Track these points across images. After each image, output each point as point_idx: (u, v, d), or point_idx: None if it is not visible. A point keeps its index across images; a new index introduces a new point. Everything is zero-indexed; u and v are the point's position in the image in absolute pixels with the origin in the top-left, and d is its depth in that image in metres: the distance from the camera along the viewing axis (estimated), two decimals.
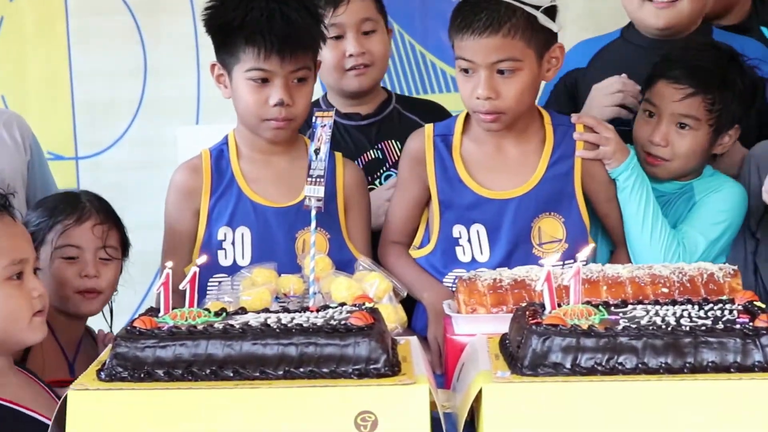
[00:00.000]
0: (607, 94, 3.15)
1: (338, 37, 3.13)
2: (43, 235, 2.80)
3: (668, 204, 3.00)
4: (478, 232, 2.84)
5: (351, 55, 3.14)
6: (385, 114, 3.26)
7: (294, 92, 2.79)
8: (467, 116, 2.91)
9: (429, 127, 2.92)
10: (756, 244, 3.08)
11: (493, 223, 2.83)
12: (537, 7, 2.73)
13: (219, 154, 2.93)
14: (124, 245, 2.96)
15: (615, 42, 3.34)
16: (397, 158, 3.11)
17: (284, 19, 2.74)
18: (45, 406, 2.34)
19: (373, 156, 3.20)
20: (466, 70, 2.76)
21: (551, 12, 2.77)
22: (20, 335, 2.42)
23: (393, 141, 3.19)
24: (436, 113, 3.28)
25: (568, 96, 3.28)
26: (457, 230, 2.85)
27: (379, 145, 3.20)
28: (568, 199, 2.85)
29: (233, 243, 2.85)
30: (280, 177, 2.90)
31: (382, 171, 3.19)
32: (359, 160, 3.16)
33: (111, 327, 2.98)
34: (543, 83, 3.01)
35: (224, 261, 2.84)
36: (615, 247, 2.97)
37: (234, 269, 2.74)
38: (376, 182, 3.18)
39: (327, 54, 3.09)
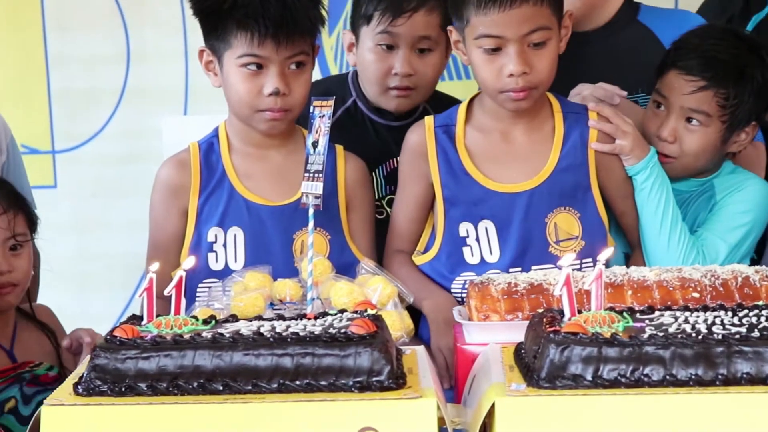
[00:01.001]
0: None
1: (389, 47, 3.09)
2: None
3: (687, 203, 3.01)
4: (486, 229, 2.86)
5: (396, 74, 3.09)
6: (415, 117, 3.19)
7: (291, 80, 2.80)
8: (469, 104, 2.93)
9: (429, 119, 2.94)
10: None
11: (503, 219, 2.85)
12: None
13: (209, 148, 2.95)
14: (32, 222, 2.96)
15: None
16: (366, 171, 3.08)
17: (279, 1, 2.75)
18: None
19: (397, 164, 3.10)
20: (492, 49, 2.76)
21: None
22: None
23: None
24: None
25: None
26: (464, 228, 2.87)
27: None
28: (583, 193, 2.87)
29: (225, 245, 2.87)
30: (275, 173, 2.91)
31: None
32: (383, 166, 3.15)
33: (32, 310, 2.98)
34: None
35: (215, 265, 2.86)
36: (632, 249, 2.99)
37: (225, 273, 2.76)
38: None
39: (371, 62, 3.08)
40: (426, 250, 2.93)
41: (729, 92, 2.91)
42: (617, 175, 2.91)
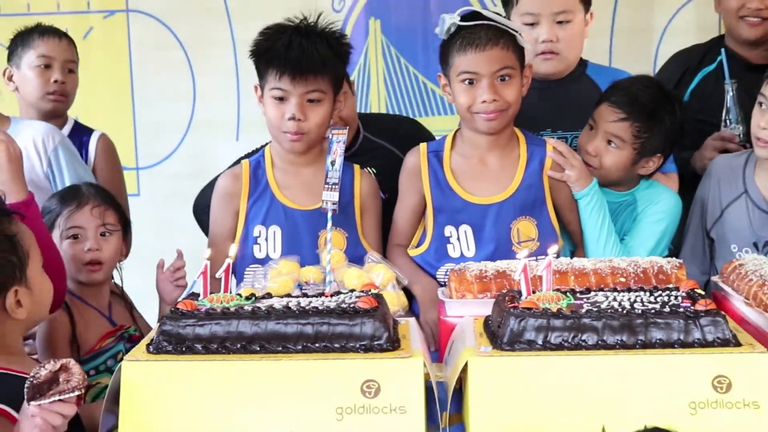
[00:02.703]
0: None
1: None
2: (53, 220, 2.87)
3: (617, 213, 3.02)
4: (465, 232, 2.86)
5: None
6: (357, 146, 3.22)
7: (307, 110, 2.81)
8: (454, 136, 2.96)
9: (423, 146, 2.96)
10: (711, 250, 3.09)
11: (478, 225, 2.86)
12: (515, 31, 2.83)
13: (256, 165, 2.96)
14: (125, 223, 2.99)
15: None
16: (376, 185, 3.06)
17: (300, 49, 2.79)
18: None
19: None
20: (470, 81, 2.80)
21: None
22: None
23: (368, 168, 3.12)
24: (401, 132, 3.31)
25: None
26: (448, 230, 2.88)
27: None
28: (540, 206, 2.89)
29: (266, 239, 2.88)
30: (306, 185, 2.92)
31: None
32: None
33: (122, 288, 3.00)
34: None
35: (258, 254, 2.87)
36: (575, 246, 3.00)
37: (267, 261, 2.77)
38: None
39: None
40: (419, 245, 2.93)
41: (642, 126, 2.92)
42: (564, 195, 2.92)
